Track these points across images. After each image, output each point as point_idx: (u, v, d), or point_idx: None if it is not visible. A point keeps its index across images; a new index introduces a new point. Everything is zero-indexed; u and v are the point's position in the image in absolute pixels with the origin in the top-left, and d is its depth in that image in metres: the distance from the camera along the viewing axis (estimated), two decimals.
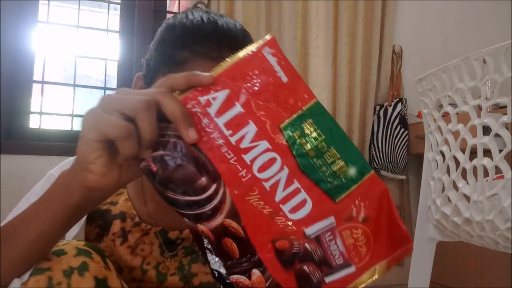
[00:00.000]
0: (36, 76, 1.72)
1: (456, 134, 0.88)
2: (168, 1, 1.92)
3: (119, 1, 1.88)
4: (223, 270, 0.41)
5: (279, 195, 0.40)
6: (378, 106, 2.07)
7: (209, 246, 0.41)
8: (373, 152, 2.02)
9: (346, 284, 0.40)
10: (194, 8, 0.64)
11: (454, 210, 0.87)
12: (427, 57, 2.21)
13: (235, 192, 0.40)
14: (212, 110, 0.40)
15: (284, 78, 0.41)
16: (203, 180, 0.40)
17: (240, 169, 0.40)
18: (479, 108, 0.81)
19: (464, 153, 0.85)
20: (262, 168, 0.40)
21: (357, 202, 0.40)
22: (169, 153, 0.40)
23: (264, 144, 0.40)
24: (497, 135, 0.76)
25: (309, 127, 0.41)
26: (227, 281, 0.40)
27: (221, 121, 0.40)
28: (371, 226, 0.41)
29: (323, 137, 0.40)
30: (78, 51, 1.81)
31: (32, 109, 1.70)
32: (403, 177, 2.01)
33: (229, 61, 0.41)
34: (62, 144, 1.67)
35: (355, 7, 2.04)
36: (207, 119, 0.40)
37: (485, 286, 1.70)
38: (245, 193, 0.40)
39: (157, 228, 0.67)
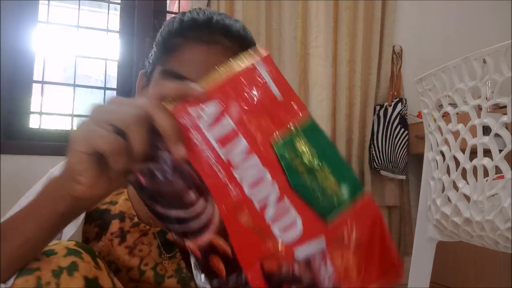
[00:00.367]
0: (36, 76, 1.72)
1: (456, 134, 0.88)
2: (168, 1, 1.92)
3: (119, 1, 1.88)
4: None
5: (269, 214, 0.38)
6: (378, 106, 2.07)
7: (196, 263, 0.40)
8: (373, 152, 2.02)
9: None
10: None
11: (454, 210, 0.87)
12: (427, 57, 2.21)
13: (224, 209, 0.38)
14: (203, 124, 0.38)
15: (278, 95, 0.39)
16: (191, 195, 0.39)
17: (230, 185, 0.38)
18: (479, 108, 0.81)
19: (464, 153, 0.85)
20: (253, 185, 0.38)
21: (349, 224, 0.39)
22: (158, 166, 0.39)
23: (254, 160, 0.38)
24: (497, 135, 0.76)
25: (301, 145, 0.39)
26: None
27: (211, 135, 0.38)
28: (362, 250, 0.39)
29: (316, 155, 0.39)
30: (78, 51, 1.81)
31: (32, 109, 1.70)
32: (403, 177, 2.01)
33: (223, 73, 0.39)
34: (62, 144, 1.67)
35: (355, 7, 2.04)
36: (198, 132, 0.38)
37: (485, 286, 1.70)
38: (234, 210, 0.38)
39: (156, 229, 0.66)
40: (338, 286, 0.39)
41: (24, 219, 0.44)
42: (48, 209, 0.43)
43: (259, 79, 0.39)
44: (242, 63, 0.39)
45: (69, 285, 0.44)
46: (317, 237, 0.39)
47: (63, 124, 1.79)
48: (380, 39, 2.09)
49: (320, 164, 0.39)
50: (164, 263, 0.66)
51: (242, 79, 0.39)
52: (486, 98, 0.78)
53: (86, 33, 1.85)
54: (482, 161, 0.79)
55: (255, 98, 0.39)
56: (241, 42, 0.62)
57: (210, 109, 0.38)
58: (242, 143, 0.38)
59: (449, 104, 0.92)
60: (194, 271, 0.41)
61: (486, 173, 0.79)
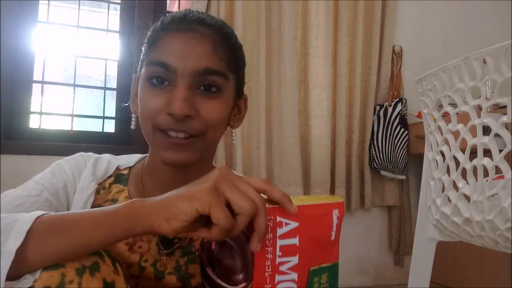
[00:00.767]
0: (36, 76, 1.72)
1: (456, 134, 0.88)
2: (168, 1, 1.92)
3: (119, 1, 1.88)
4: None
5: None
6: (378, 106, 2.07)
7: None
8: (373, 152, 2.02)
9: None
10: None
11: (454, 210, 0.87)
12: (427, 57, 2.21)
13: None
14: (279, 231, 0.47)
15: (333, 237, 0.50)
16: (241, 276, 0.48)
17: (268, 283, 0.47)
18: (479, 108, 0.81)
19: (464, 153, 0.85)
20: None
21: None
22: (230, 243, 0.49)
23: (294, 275, 0.48)
24: (497, 135, 0.76)
25: (324, 279, 0.50)
26: None
27: (280, 243, 0.47)
28: None
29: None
30: (78, 51, 1.81)
31: (32, 109, 1.71)
32: (403, 177, 2.01)
33: (307, 200, 0.49)
34: (62, 144, 1.68)
35: (355, 7, 2.04)
36: (272, 235, 0.47)
37: (485, 286, 1.70)
38: None
39: None
40: None
41: (96, 226, 0.47)
42: (122, 227, 0.47)
43: (329, 219, 0.50)
44: (326, 200, 0.51)
45: (90, 285, 0.45)
46: None
47: (63, 124, 1.79)
48: (380, 39, 2.09)
49: None
50: (163, 259, 0.66)
51: (319, 212, 0.49)
52: (486, 98, 0.78)
53: (86, 33, 1.85)
54: (482, 161, 0.79)
55: (320, 231, 0.49)
56: (216, 29, 0.65)
57: (291, 223, 0.48)
58: (294, 260, 0.48)
59: (449, 104, 0.92)
60: None
61: (486, 173, 0.79)
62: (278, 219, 0.47)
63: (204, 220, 0.46)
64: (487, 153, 0.78)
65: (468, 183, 0.84)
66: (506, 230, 0.76)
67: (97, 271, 0.47)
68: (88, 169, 0.70)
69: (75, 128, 1.79)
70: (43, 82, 1.74)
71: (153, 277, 0.65)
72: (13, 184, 0.66)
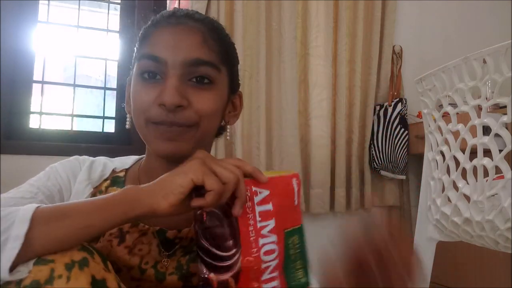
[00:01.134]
0: (36, 76, 1.72)
1: (456, 134, 0.88)
2: (168, 1, 1.92)
3: (119, 1, 1.88)
4: None
5: (265, 276, 0.56)
6: (378, 106, 2.07)
7: None
8: (373, 152, 2.02)
9: None
10: None
11: (454, 210, 0.87)
12: (427, 57, 2.21)
13: (245, 260, 0.54)
14: (256, 199, 0.56)
15: (296, 202, 0.60)
16: (231, 242, 0.54)
17: (254, 247, 0.54)
18: (479, 108, 0.81)
19: (464, 153, 0.85)
20: (266, 253, 0.55)
21: None
22: (218, 213, 0.55)
23: (273, 237, 0.56)
24: (497, 135, 0.76)
25: (296, 240, 0.59)
26: None
27: (258, 209, 0.55)
28: None
29: (299, 250, 0.59)
30: (78, 51, 1.81)
31: (32, 109, 1.70)
32: (403, 177, 2.01)
33: (271, 174, 0.58)
34: (62, 144, 1.67)
35: (355, 7, 2.04)
36: (250, 203, 0.55)
37: (485, 286, 1.70)
38: (249, 264, 0.54)
39: (155, 228, 0.67)
40: None
41: (95, 209, 0.50)
42: (121, 210, 0.50)
43: (291, 187, 0.59)
44: (285, 172, 0.60)
45: (78, 279, 0.46)
46: None
47: (63, 124, 1.79)
48: (380, 39, 2.09)
49: (300, 258, 0.59)
50: (164, 261, 0.66)
51: (283, 182, 0.59)
52: (486, 98, 0.78)
53: (86, 33, 1.85)
54: (482, 161, 0.79)
55: (285, 197, 0.58)
56: (206, 23, 0.66)
57: (263, 191, 0.56)
58: (272, 223, 0.56)
59: (449, 104, 0.92)
60: None
61: (486, 173, 0.79)
62: (253, 188, 0.56)
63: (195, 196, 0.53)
64: (487, 153, 0.78)
65: (468, 183, 0.84)
66: (506, 230, 0.76)
67: (86, 266, 0.48)
68: (83, 172, 0.70)
69: (75, 128, 1.79)
70: (43, 82, 1.74)
71: (154, 279, 0.65)
72: (13, 184, 0.66)
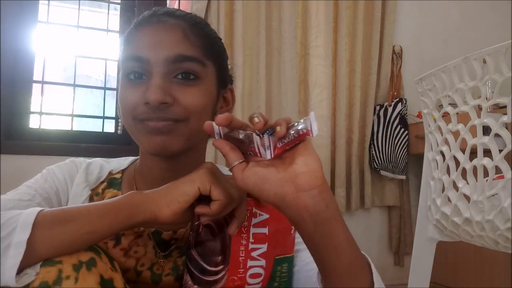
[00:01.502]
0: (36, 76, 1.72)
1: (456, 134, 0.88)
2: (168, 1, 1.91)
3: (119, 1, 1.88)
4: None
5: None
6: (378, 106, 2.07)
7: None
8: (373, 152, 2.02)
9: None
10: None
11: (454, 210, 0.87)
12: (427, 57, 2.21)
13: (230, 279, 0.55)
14: (254, 221, 0.56)
15: (292, 231, 0.59)
16: (219, 258, 0.55)
17: (242, 267, 0.55)
18: (479, 108, 0.81)
19: (464, 153, 0.85)
20: (252, 276, 0.56)
21: None
22: (214, 227, 0.56)
23: (262, 262, 0.56)
24: (497, 135, 0.76)
25: (284, 268, 0.59)
26: None
27: (252, 230, 0.56)
28: None
29: (285, 279, 0.59)
30: (78, 51, 1.81)
31: (32, 109, 1.70)
32: (403, 177, 2.01)
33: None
34: (62, 144, 1.67)
35: (355, 7, 2.04)
36: (247, 223, 0.56)
37: (485, 286, 1.70)
38: (233, 284, 0.55)
39: (150, 230, 0.66)
40: None
41: (98, 215, 0.50)
42: (125, 215, 0.51)
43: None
44: None
45: (86, 280, 0.47)
46: None
47: (63, 124, 1.79)
48: (380, 39, 2.09)
49: (283, 285, 0.60)
50: (160, 261, 0.66)
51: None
52: (486, 98, 0.78)
53: (86, 33, 1.85)
54: (482, 161, 0.79)
55: (284, 225, 0.58)
56: (187, 19, 0.66)
57: (263, 215, 0.57)
58: (264, 247, 0.56)
59: (449, 104, 0.92)
60: None
61: (486, 173, 0.79)
62: (254, 210, 0.56)
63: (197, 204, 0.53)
64: (487, 153, 0.78)
65: (468, 183, 0.84)
66: (506, 230, 0.76)
67: (93, 266, 0.48)
68: (80, 175, 0.70)
69: (75, 128, 1.79)
70: (43, 82, 1.74)
71: (150, 281, 0.65)
72: (13, 184, 0.66)
